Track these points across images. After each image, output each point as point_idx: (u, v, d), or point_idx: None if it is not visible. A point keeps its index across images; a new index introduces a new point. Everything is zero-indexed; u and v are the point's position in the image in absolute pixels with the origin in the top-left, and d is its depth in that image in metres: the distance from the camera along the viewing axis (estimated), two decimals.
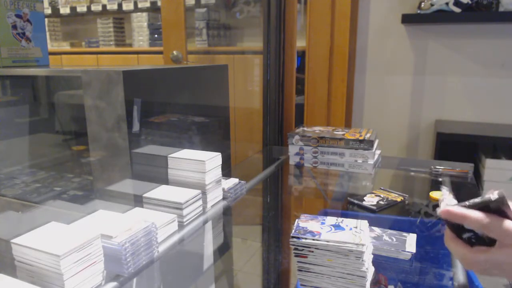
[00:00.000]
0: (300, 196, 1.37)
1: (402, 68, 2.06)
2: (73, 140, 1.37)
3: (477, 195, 0.50)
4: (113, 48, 3.18)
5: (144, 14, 3.01)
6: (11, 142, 1.28)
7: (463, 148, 1.97)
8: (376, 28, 2.07)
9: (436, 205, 1.09)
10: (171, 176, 0.95)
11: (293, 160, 1.41)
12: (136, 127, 0.90)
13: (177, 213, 0.83)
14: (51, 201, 1.08)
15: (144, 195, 0.87)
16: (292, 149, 1.40)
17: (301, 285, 0.66)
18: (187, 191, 0.88)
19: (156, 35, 2.98)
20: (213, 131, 1.27)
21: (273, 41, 1.74)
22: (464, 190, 1.19)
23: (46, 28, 1.99)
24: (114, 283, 0.64)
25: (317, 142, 1.36)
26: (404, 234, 0.86)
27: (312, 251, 0.64)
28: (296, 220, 0.70)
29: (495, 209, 0.48)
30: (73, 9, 3.27)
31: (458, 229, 0.51)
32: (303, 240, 0.64)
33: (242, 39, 2.81)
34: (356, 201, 1.10)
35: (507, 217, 0.48)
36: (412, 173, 1.41)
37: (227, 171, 1.24)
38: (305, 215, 0.72)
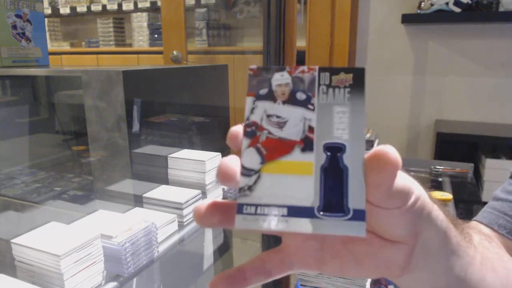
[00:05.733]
0: None
1: (402, 68, 2.06)
2: (73, 140, 1.37)
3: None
4: (113, 48, 3.18)
5: (144, 14, 3.01)
6: (11, 142, 1.28)
7: (463, 148, 1.97)
8: (376, 28, 2.07)
9: None
10: (171, 176, 0.95)
11: None
12: (136, 127, 0.90)
13: (177, 213, 0.83)
14: (51, 201, 1.08)
15: (144, 195, 0.87)
16: None
17: (301, 285, 0.66)
18: (187, 191, 0.88)
19: (156, 35, 2.98)
20: (213, 131, 1.27)
21: (273, 41, 1.74)
22: (464, 190, 1.19)
23: (46, 28, 1.99)
24: (114, 283, 0.64)
25: None
26: None
27: None
28: None
29: None
30: (73, 9, 3.27)
31: None
32: None
33: (242, 39, 2.81)
34: None
35: None
36: (412, 173, 1.40)
37: None
38: None
